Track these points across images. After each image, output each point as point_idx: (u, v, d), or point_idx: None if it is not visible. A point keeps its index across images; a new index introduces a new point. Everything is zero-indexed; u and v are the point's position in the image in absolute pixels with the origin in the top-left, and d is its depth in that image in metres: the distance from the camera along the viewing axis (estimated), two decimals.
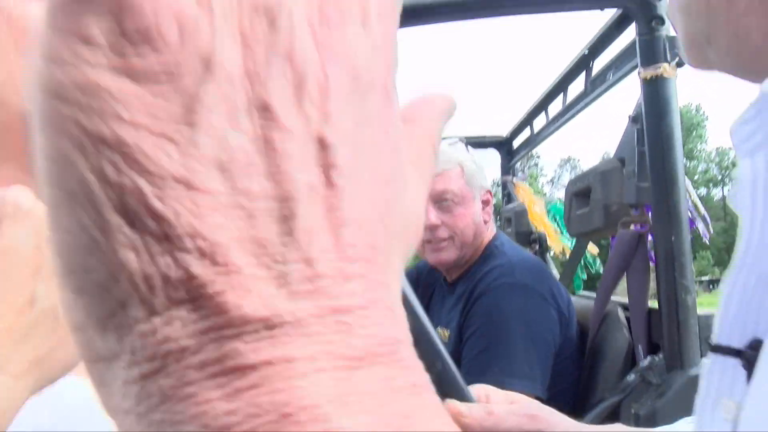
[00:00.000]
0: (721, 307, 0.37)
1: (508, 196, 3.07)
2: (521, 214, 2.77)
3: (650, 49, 1.48)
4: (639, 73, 1.51)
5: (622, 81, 1.79)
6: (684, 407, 0.44)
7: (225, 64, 0.14)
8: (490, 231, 1.83)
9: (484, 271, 1.66)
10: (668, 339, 1.44)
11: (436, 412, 0.16)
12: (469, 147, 1.85)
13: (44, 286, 0.40)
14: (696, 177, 45.40)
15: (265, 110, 0.14)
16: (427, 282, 2.01)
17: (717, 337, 0.38)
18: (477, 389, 0.61)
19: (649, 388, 1.45)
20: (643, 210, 1.60)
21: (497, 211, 2.13)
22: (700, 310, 1.47)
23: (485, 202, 1.81)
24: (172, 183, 0.14)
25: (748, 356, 0.34)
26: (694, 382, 1.44)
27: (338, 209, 0.15)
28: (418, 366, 0.16)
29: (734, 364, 0.36)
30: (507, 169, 3.08)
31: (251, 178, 0.14)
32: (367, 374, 0.14)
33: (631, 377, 1.49)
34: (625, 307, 1.71)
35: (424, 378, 0.16)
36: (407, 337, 0.16)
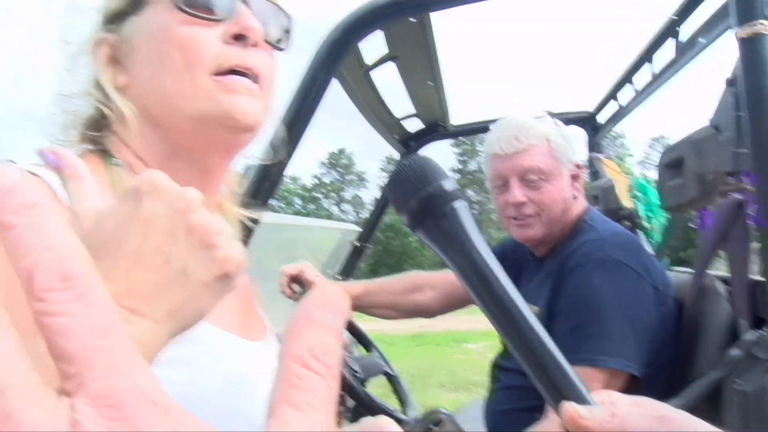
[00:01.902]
0: None
1: (595, 174, 2.97)
2: (609, 190, 2.68)
3: (747, 6, 1.39)
4: (736, 33, 1.43)
5: (718, 52, 1.70)
6: None
7: None
8: (580, 206, 1.78)
9: (573, 247, 1.63)
10: None
11: None
12: (557, 120, 1.80)
13: (177, 249, 0.48)
14: None
15: None
16: (514, 258, 1.99)
17: None
18: (598, 394, 0.55)
19: (756, 363, 1.38)
20: (741, 177, 1.51)
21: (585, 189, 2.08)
22: None
23: (575, 177, 1.77)
24: None
25: None
26: None
27: None
28: None
29: None
30: (593, 145, 2.98)
31: None
32: None
33: (735, 352, 1.42)
34: (724, 280, 1.62)
35: None
36: None
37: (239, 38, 0.77)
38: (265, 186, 1.50)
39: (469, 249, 0.58)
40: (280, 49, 0.87)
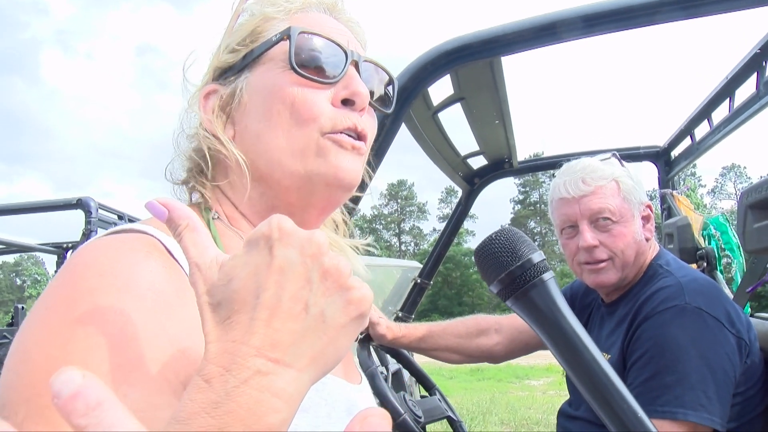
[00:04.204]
0: None
1: (669, 211, 2.86)
2: (684, 228, 2.56)
3: None
4: None
5: None
6: None
7: None
8: (652, 249, 1.71)
9: (648, 293, 1.55)
10: None
11: None
12: (623, 162, 1.75)
13: (313, 294, 0.48)
14: None
15: None
16: (583, 304, 1.92)
17: None
18: None
19: None
20: None
21: (657, 227, 1.98)
22: None
23: (646, 218, 1.70)
24: None
25: None
26: None
27: None
28: None
29: None
30: (666, 182, 2.88)
31: None
32: None
33: None
34: None
35: None
36: None
37: (347, 102, 0.79)
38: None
39: (557, 317, 0.62)
40: (385, 111, 0.89)
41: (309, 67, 0.77)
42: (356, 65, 0.81)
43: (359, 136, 0.80)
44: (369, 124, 0.83)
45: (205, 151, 0.82)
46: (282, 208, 0.81)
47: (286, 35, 0.78)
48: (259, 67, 0.80)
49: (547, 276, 0.63)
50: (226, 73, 0.83)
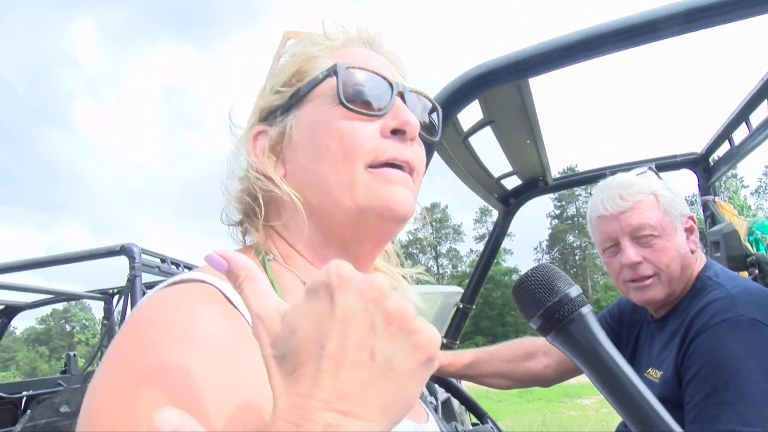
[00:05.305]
0: None
1: (712, 218, 2.78)
2: (731, 235, 2.48)
3: None
4: None
5: None
6: None
7: None
8: (699, 261, 1.67)
9: (699, 306, 1.50)
10: None
11: None
12: (660, 174, 1.72)
13: (379, 341, 0.47)
14: None
15: None
16: (632, 321, 1.88)
17: None
18: None
19: None
20: None
21: (702, 237, 1.92)
22: None
23: (689, 230, 1.66)
24: None
25: None
26: None
27: None
28: None
29: None
30: (706, 188, 2.81)
31: None
32: None
33: None
34: None
35: None
36: None
37: (397, 132, 0.80)
38: None
39: (598, 351, 0.63)
40: (433, 141, 0.89)
41: (357, 101, 0.79)
42: (402, 96, 0.82)
43: (407, 168, 0.80)
44: (418, 154, 0.83)
45: (257, 192, 0.82)
46: (336, 242, 0.81)
47: (333, 72, 0.80)
48: (307, 105, 0.81)
49: (586, 310, 0.64)
50: (273, 114, 0.84)
